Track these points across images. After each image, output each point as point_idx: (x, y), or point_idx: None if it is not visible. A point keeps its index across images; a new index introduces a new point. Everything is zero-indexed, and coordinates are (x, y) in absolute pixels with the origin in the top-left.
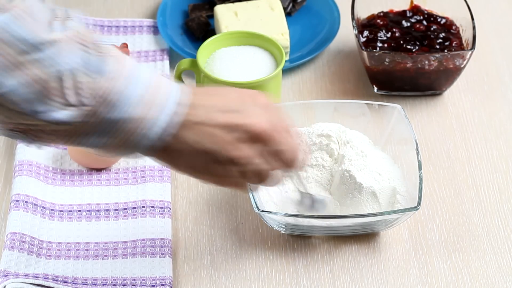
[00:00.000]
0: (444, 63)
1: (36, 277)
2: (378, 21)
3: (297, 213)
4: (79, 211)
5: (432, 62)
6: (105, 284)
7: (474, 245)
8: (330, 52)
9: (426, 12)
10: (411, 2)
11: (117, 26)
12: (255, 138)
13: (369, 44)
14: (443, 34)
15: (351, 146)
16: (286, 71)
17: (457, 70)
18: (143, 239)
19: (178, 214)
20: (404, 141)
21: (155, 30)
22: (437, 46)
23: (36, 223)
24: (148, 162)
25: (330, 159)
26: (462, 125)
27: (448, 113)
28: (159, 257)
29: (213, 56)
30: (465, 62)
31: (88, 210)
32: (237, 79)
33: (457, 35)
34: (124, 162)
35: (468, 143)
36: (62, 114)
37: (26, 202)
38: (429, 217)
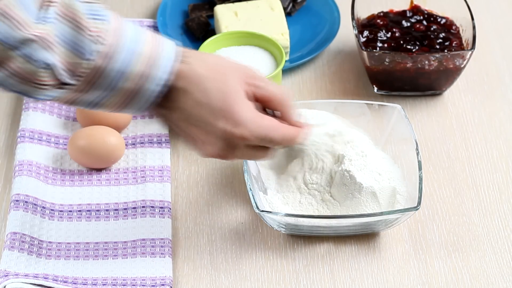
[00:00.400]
0: (444, 63)
1: (36, 277)
2: (378, 21)
3: (297, 213)
4: (79, 211)
5: (432, 62)
6: (105, 284)
7: (474, 245)
8: (330, 52)
9: (426, 12)
10: (411, 2)
11: None
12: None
13: (369, 44)
14: (443, 34)
15: (351, 146)
16: (286, 71)
17: (457, 70)
18: (143, 239)
19: (178, 214)
20: (404, 141)
21: (155, 30)
22: (437, 46)
23: (36, 223)
24: (148, 162)
25: (332, 160)
26: (462, 125)
27: (448, 113)
28: (159, 257)
29: None
30: (465, 62)
31: (88, 210)
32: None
33: (457, 35)
34: (124, 162)
35: (468, 143)
36: (52, 93)
37: (26, 202)
38: (429, 217)
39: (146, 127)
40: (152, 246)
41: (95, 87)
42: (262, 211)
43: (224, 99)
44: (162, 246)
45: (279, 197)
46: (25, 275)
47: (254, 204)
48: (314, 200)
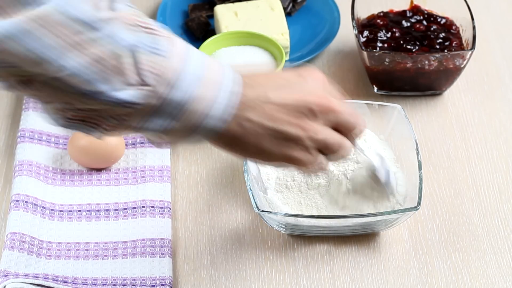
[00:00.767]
0: (444, 63)
1: (36, 277)
2: (378, 21)
3: (297, 213)
4: (79, 211)
5: (432, 62)
6: (105, 284)
7: (474, 245)
8: (330, 52)
9: (426, 12)
10: (411, 2)
11: None
12: (314, 112)
13: (369, 44)
14: (443, 34)
15: (364, 140)
16: None
17: (457, 70)
18: (143, 239)
19: (178, 214)
20: (404, 141)
21: None
22: (437, 46)
23: (36, 223)
24: (148, 162)
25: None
26: (462, 125)
27: (448, 113)
28: (159, 257)
29: (213, 56)
30: (465, 62)
31: (88, 210)
32: None
33: (457, 35)
34: (124, 162)
35: (468, 143)
36: (124, 93)
37: (26, 202)
38: (429, 217)
39: None
40: (152, 246)
41: (172, 92)
42: (262, 211)
43: (303, 88)
44: (162, 246)
45: (279, 197)
46: (25, 275)
47: (254, 204)
48: (314, 200)
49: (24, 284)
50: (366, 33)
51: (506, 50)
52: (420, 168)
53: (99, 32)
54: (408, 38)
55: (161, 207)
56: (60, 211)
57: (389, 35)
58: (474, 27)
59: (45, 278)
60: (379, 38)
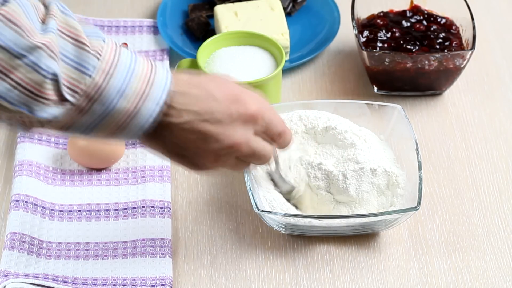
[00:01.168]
0: (444, 63)
1: (36, 277)
2: (378, 21)
3: (297, 213)
4: (79, 211)
5: (432, 62)
6: (105, 284)
7: (474, 245)
8: (330, 52)
9: (426, 12)
10: (411, 2)
11: (117, 26)
12: (231, 149)
13: (369, 44)
14: (443, 34)
15: (364, 140)
16: (286, 71)
17: (457, 70)
18: (143, 239)
19: (178, 214)
20: (404, 141)
21: (155, 30)
22: (437, 46)
23: (36, 223)
24: (148, 162)
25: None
26: (462, 125)
27: (448, 113)
28: (159, 257)
29: (213, 56)
30: (465, 62)
31: (88, 210)
32: (237, 79)
33: (457, 35)
34: (124, 162)
35: (468, 143)
36: (44, 113)
37: (26, 202)
38: (429, 217)
39: None
40: (152, 246)
41: (94, 106)
42: (262, 211)
43: (228, 91)
44: (162, 246)
45: (279, 197)
46: (25, 275)
47: (254, 204)
48: (314, 200)
49: (24, 284)
50: (366, 33)
51: (506, 50)
52: (420, 168)
53: (21, 60)
54: (408, 38)
55: (161, 207)
56: (60, 211)
57: (389, 35)
58: (474, 27)
59: (45, 278)
60: (379, 38)
